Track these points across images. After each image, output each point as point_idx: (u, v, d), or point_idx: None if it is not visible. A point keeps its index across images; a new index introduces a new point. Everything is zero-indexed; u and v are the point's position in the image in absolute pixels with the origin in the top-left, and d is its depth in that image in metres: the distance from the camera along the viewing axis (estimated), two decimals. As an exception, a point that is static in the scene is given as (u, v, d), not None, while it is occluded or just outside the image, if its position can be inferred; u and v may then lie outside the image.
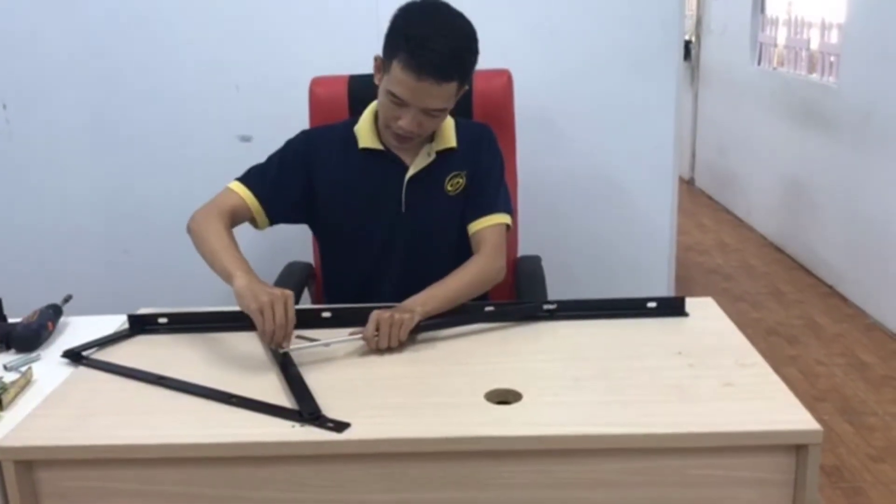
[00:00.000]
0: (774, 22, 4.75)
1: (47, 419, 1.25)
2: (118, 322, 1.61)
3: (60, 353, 1.48)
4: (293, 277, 1.96)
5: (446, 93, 1.57)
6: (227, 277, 1.47)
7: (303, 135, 1.81)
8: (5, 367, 1.45)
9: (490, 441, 1.18)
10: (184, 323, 1.59)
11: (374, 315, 1.46)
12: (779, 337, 3.35)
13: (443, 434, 1.19)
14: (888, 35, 3.32)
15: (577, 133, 2.53)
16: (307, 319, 1.56)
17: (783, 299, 3.77)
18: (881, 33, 3.38)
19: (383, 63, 1.61)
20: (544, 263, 2.03)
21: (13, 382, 1.35)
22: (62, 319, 1.64)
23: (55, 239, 2.59)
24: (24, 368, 1.42)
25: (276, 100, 2.43)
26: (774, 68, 4.74)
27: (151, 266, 2.60)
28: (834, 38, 4.01)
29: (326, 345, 1.45)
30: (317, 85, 2.04)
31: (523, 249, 2.11)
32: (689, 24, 5.69)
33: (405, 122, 1.60)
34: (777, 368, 1.37)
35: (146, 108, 2.49)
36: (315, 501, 1.21)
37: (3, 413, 1.29)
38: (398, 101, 1.58)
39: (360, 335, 1.46)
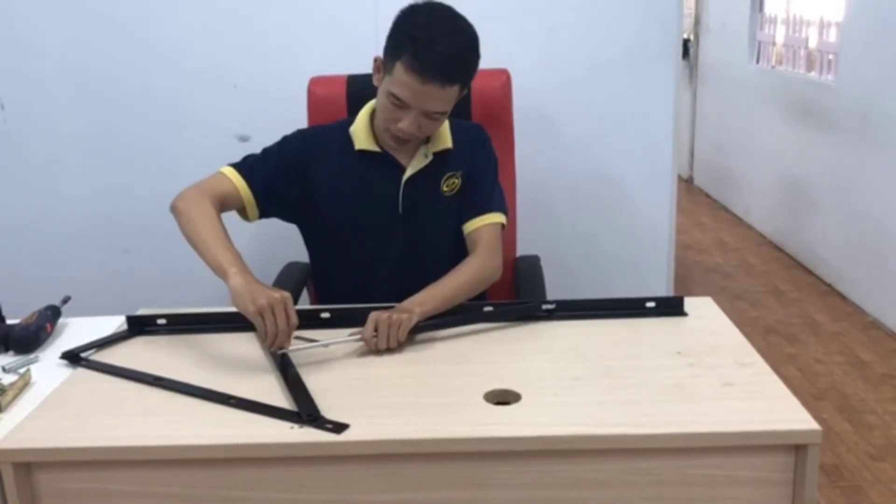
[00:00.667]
0: (773, 20, 4.75)
1: (46, 421, 1.25)
2: (117, 323, 1.61)
3: (59, 354, 1.48)
4: (292, 277, 1.96)
5: (449, 96, 1.57)
6: (221, 273, 1.44)
7: (299, 134, 1.80)
8: (4, 369, 1.44)
9: (489, 442, 1.18)
10: (182, 324, 1.59)
11: (373, 316, 1.46)
12: (778, 336, 3.35)
13: (442, 435, 1.19)
14: (886, 33, 3.32)
15: (576, 132, 2.53)
16: (306, 320, 1.56)
17: (782, 298, 3.77)
18: (879, 32, 3.38)
19: (384, 64, 1.60)
20: (543, 263, 2.03)
21: (12, 384, 1.35)
22: (61, 321, 1.64)
23: (53, 240, 2.59)
24: (22, 370, 1.42)
25: (275, 99, 2.43)
26: (773, 67, 4.74)
27: (150, 267, 2.59)
28: (832, 36, 4.01)
29: (325, 345, 1.45)
30: (315, 85, 2.03)
31: (522, 249, 2.11)
32: (688, 22, 5.69)
33: (405, 125, 1.60)
34: (776, 367, 1.37)
35: (144, 108, 2.49)
36: (314, 502, 1.21)
37: (1, 415, 1.29)
38: (399, 103, 1.57)
39: (359, 336, 1.46)
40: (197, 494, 1.21)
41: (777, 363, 2.92)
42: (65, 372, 1.43)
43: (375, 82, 1.65)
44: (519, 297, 1.90)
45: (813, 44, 4.25)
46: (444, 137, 1.74)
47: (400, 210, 1.73)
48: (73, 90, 2.47)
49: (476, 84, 1.92)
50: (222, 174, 1.69)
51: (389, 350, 1.45)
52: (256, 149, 1.80)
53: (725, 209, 5.25)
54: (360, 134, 1.72)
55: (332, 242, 1.80)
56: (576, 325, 1.57)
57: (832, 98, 3.83)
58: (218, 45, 2.43)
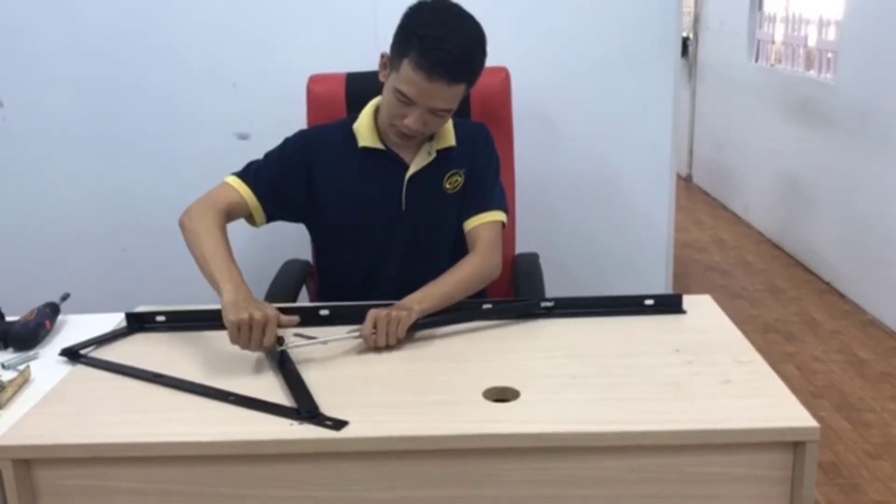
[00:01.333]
0: (772, 19, 4.75)
1: (45, 417, 1.25)
2: (116, 320, 1.61)
3: (58, 351, 1.48)
4: (291, 275, 1.97)
5: (455, 94, 1.58)
6: (217, 288, 1.45)
7: (301, 134, 1.80)
8: (3, 366, 1.45)
9: (488, 439, 1.18)
10: (182, 321, 1.59)
11: (372, 313, 1.46)
12: (776, 334, 3.36)
13: (441, 432, 1.19)
14: (885, 32, 3.32)
15: (575, 130, 2.54)
16: (305, 317, 1.56)
17: (781, 296, 3.77)
18: (879, 30, 3.39)
19: (391, 60, 1.61)
20: (542, 261, 2.03)
21: (11, 381, 1.35)
22: (60, 318, 1.64)
23: (53, 237, 2.59)
24: (21, 367, 1.43)
25: (274, 97, 2.43)
26: (772, 65, 4.74)
27: (149, 264, 2.59)
28: (831, 34, 4.01)
29: (324, 342, 1.45)
30: (315, 83, 2.03)
31: (521, 247, 2.12)
32: (687, 20, 5.69)
33: (411, 121, 1.60)
34: (774, 365, 1.37)
35: (144, 106, 2.49)
36: (313, 499, 1.21)
37: (1, 411, 1.29)
38: (406, 100, 1.58)
39: (358, 333, 1.46)
40: (196, 491, 1.21)
41: (775, 361, 2.92)
42: (64, 369, 1.43)
43: (382, 78, 1.65)
44: (518, 294, 1.90)
45: (812, 42, 4.25)
46: (448, 135, 1.74)
47: (403, 207, 1.74)
48: (73, 88, 2.47)
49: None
50: (227, 184, 1.69)
51: (388, 347, 1.45)
52: (256, 146, 1.80)
53: (724, 207, 5.25)
54: (364, 131, 1.72)
55: (336, 240, 1.80)
56: (574, 322, 1.57)
57: (831, 96, 3.83)
58: (217, 43, 2.43)
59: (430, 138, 1.72)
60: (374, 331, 1.44)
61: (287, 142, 1.78)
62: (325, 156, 1.74)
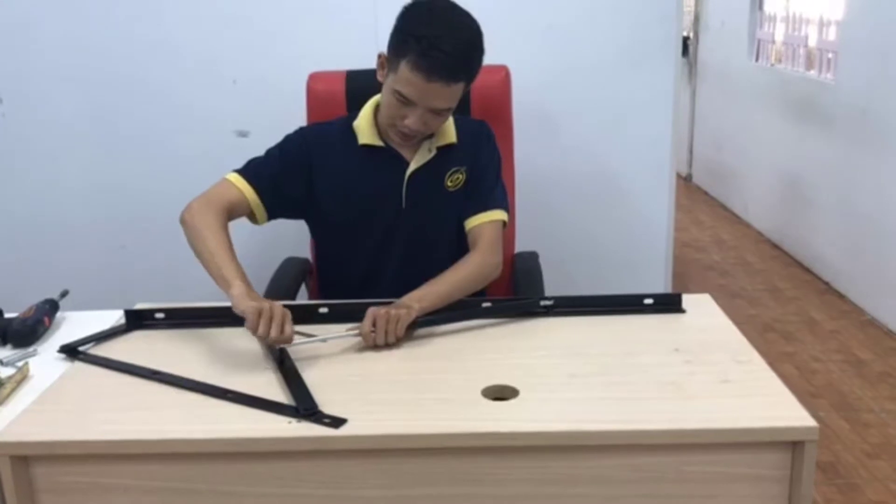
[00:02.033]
0: (772, 18, 4.75)
1: (44, 414, 1.25)
2: (115, 317, 1.61)
3: (57, 348, 1.48)
4: (290, 273, 1.97)
5: (454, 93, 1.58)
6: (224, 284, 1.46)
7: (301, 131, 1.80)
8: (1, 363, 1.44)
9: (487, 437, 1.18)
10: (181, 318, 1.59)
11: (371, 311, 1.46)
12: (775, 333, 3.36)
13: (440, 430, 1.19)
14: (886, 32, 3.32)
15: (575, 129, 2.53)
16: (304, 315, 1.56)
17: (780, 296, 3.77)
18: (879, 30, 3.38)
19: (388, 61, 1.60)
20: (541, 260, 2.03)
21: (9, 377, 1.35)
22: (59, 314, 1.64)
23: (52, 234, 2.59)
24: (20, 363, 1.42)
25: (274, 95, 2.43)
26: (772, 65, 4.74)
27: (148, 261, 2.59)
28: (832, 34, 4.01)
29: (323, 340, 1.45)
30: (314, 80, 2.03)
31: (520, 246, 2.11)
32: (687, 20, 5.69)
33: (411, 122, 1.60)
34: (773, 365, 1.37)
35: (143, 103, 2.49)
36: (312, 497, 1.21)
37: (-1, 408, 1.29)
38: (405, 101, 1.58)
39: (357, 331, 1.46)
40: (194, 488, 1.21)
41: (774, 361, 2.92)
42: (63, 366, 1.43)
43: (380, 78, 1.65)
44: (517, 293, 1.90)
45: (812, 42, 4.25)
46: (448, 132, 1.74)
47: (403, 205, 1.74)
48: (72, 85, 2.47)
49: (475, 80, 1.93)
50: (228, 182, 1.69)
51: (387, 345, 1.45)
52: (255, 144, 1.80)
53: (724, 207, 5.25)
54: (364, 129, 1.72)
55: (337, 237, 1.80)
56: (574, 321, 1.57)
57: (831, 96, 3.83)
58: (217, 40, 2.43)
59: (431, 136, 1.72)
60: (373, 329, 1.44)
61: (288, 139, 1.77)
62: (326, 153, 1.74)
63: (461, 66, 1.56)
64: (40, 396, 1.30)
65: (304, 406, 1.23)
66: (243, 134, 2.49)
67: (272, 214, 1.73)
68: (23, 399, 1.31)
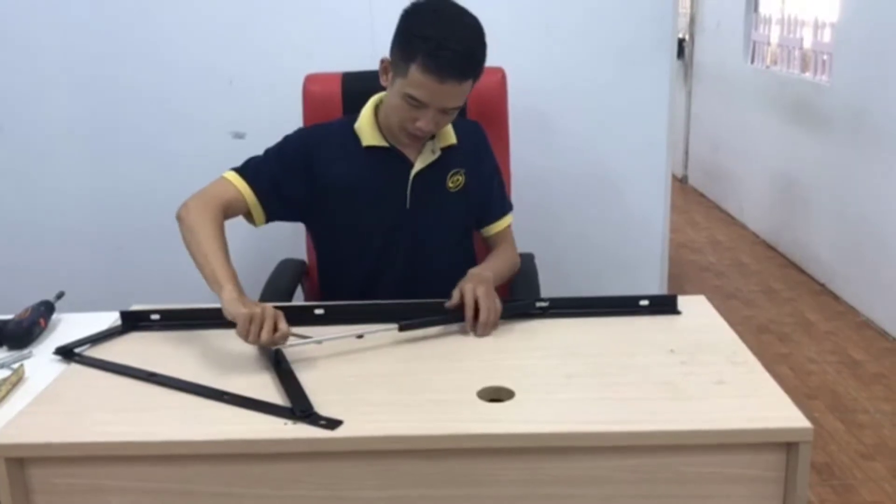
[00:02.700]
0: (768, 20, 4.76)
1: (39, 416, 1.25)
2: (110, 319, 1.60)
3: (52, 350, 1.48)
4: (286, 274, 1.96)
5: (464, 90, 1.60)
6: (216, 287, 1.45)
7: (301, 132, 1.80)
8: (-3, 364, 1.44)
9: (482, 438, 1.18)
10: (176, 320, 1.59)
11: (468, 294, 1.52)
12: (770, 335, 3.36)
13: (435, 431, 1.19)
14: (881, 34, 3.33)
15: (571, 130, 2.54)
16: (300, 317, 1.56)
17: (775, 297, 3.78)
18: (874, 32, 3.39)
19: (394, 65, 1.60)
20: (537, 261, 2.03)
21: (5, 379, 1.35)
22: (54, 316, 1.64)
23: (47, 235, 2.59)
24: (15, 365, 1.42)
25: (270, 97, 2.43)
26: (767, 66, 4.75)
27: (144, 263, 2.59)
28: (827, 36, 4.02)
29: (319, 342, 1.45)
30: (311, 82, 2.03)
31: (517, 246, 2.11)
32: (683, 21, 5.70)
33: (424, 123, 1.61)
34: (768, 366, 1.37)
35: (139, 104, 2.48)
36: (308, 498, 1.21)
37: (-6, 410, 1.29)
38: (417, 103, 1.58)
39: (357, 333, 1.47)
40: (190, 490, 1.21)
41: (769, 362, 2.92)
42: (58, 367, 1.43)
43: (383, 83, 1.65)
44: (513, 294, 1.90)
45: (808, 44, 4.26)
46: (449, 133, 1.76)
47: (408, 205, 1.74)
48: (68, 87, 2.47)
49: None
50: (226, 180, 1.68)
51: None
52: (251, 146, 1.80)
53: (719, 208, 5.26)
54: (367, 130, 1.72)
55: (340, 239, 1.79)
56: (569, 322, 1.57)
57: (826, 98, 3.84)
58: (213, 42, 2.43)
59: (433, 136, 1.73)
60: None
61: (287, 139, 1.77)
62: (327, 153, 1.73)
63: (471, 64, 1.58)
64: (36, 398, 1.30)
65: (299, 408, 1.23)
66: (240, 135, 2.49)
67: (270, 216, 1.73)
68: (18, 401, 1.31)
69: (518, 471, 1.20)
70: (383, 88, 1.68)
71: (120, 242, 2.60)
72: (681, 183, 5.90)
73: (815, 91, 4.00)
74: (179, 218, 1.60)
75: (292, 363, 1.39)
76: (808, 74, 4.23)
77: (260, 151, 1.77)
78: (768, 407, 1.23)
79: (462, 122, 1.82)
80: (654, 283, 2.64)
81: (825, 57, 4.01)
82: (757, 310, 3.63)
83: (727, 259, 4.33)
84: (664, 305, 1.61)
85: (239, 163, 1.74)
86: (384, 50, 2.41)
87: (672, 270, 2.93)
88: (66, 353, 1.46)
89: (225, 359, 1.44)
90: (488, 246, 1.86)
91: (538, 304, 1.60)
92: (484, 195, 1.82)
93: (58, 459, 1.20)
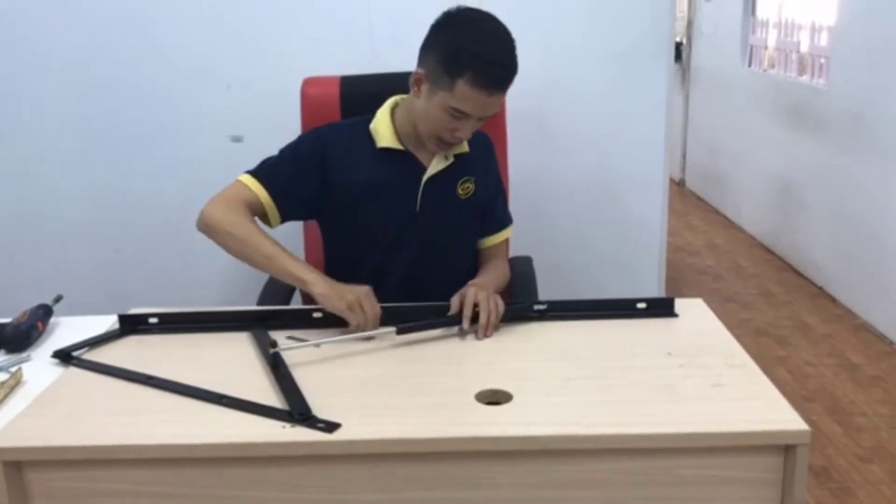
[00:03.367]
0: (765, 24, 4.77)
1: (37, 419, 1.25)
2: (109, 322, 1.60)
3: (51, 353, 1.48)
4: (284, 278, 1.96)
5: (502, 100, 1.65)
6: (298, 282, 1.53)
7: (317, 131, 1.79)
8: (-5, 368, 1.44)
9: (481, 441, 1.18)
10: (174, 323, 1.58)
11: (468, 296, 1.53)
12: (768, 337, 3.37)
13: (434, 434, 1.19)
14: (877, 37, 3.34)
15: (569, 134, 2.54)
16: (298, 320, 1.57)
17: (773, 300, 3.79)
18: (871, 36, 3.40)
19: (433, 78, 1.60)
20: (535, 264, 2.04)
21: (3, 383, 1.35)
22: (52, 319, 1.63)
23: (45, 238, 2.59)
24: (13, 369, 1.42)
25: (268, 100, 2.43)
26: (765, 70, 4.76)
27: (142, 266, 2.59)
28: (824, 40, 4.03)
29: (317, 345, 1.46)
30: (309, 85, 2.03)
31: (514, 250, 2.11)
32: (680, 25, 5.71)
33: (463, 133, 1.64)
34: (766, 369, 1.37)
35: (137, 107, 2.49)
36: (306, 501, 1.21)
37: (-8, 413, 1.28)
38: (461, 115, 1.60)
39: (365, 335, 1.48)
40: (188, 494, 1.21)
41: (767, 365, 2.92)
42: (56, 371, 1.43)
43: (415, 95, 1.65)
44: (511, 297, 1.90)
45: (805, 47, 4.27)
46: (462, 142, 1.76)
47: (418, 208, 1.75)
48: (66, 88, 2.47)
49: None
50: (241, 183, 1.68)
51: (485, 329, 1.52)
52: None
53: (717, 211, 5.27)
54: (384, 132, 1.73)
55: (349, 237, 1.80)
56: (567, 325, 1.58)
57: (823, 101, 3.85)
58: (212, 45, 2.43)
59: None
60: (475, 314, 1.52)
61: (302, 139, 1.77)
62: (342, 153, 1.73)
63: (512, 75, 1.61)
64: (34, 402, 1.30)
65: (298, 411, 1.23)
66: (237, 139, 2.50)
67: (284, 217, 1.73)
68: (16, 404, 1.30)
69: (516, 474, 1.20)
70: (382, 91, 1.69)
71: (118, 246, 2.60)
72: (678, 186, 5.91)
73: (812, 94, 4.01)
74: (207, 225, 1.60)
75: (290, 366, 1.39)
76: (805, 78, 4.24)
77: (258, 155, 1.77)
78: (766, 410, 1.23)
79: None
80: (651, 286, 2.65)
81: (822, 60, 4.02)
82: (755, 313, 3.63)
83: (725, 262, 4.34)
84: (662, 308, 1.61)
85: (236, 166, 1.74)
86: (382, 53, 2.42)
87: (670, 273, 2.93)
88: (65, 356, 1.46)
89: (223, 362, 1.44)
90: (481, 258, 1.86)
91: (536, 307, 1.61)
92: (488, 206, 1.84)
93: (56, 463, 1.20)
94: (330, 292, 1.50)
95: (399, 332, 1.49)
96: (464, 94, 1.56)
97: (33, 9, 2.40)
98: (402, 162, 1.73)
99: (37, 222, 2.58)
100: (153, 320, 1.58)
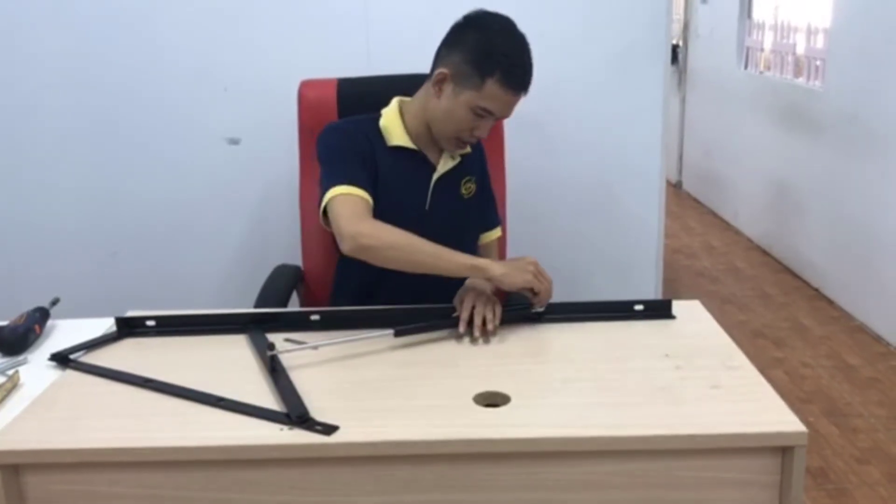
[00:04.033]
0: (761, 26, 4.78)
1: (34, 422, 1.25)
2: (106, 325, 1.60)
3: (48, 356, 1.48)
4: (282, 280, 1.96)
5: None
6: (474, 270, 1.55)
7: (341, 126, 1.77)
8: (-8, 371, 1.44)
9: (479, 444, 1.18)
10: (172, 326, 1.58)
11: (466, 299, 1.56)
12: (765, 339, 3.37)
13: (431, 437, 1.19)
14: (873, 40, 3.35)
15: (566, 136, 2.55)
16: (295, 322, 1.57)
17: (769, 302, 3.79)
18: (866, 38, 3.41)
19: (459, 78, 1.62)
20: (533, 267, 2.04)
21: (0, 385, 1.35)
22: (50, 322, 1.63)
23: (43, 241, 2.58)
24: (10, 371, 1.42)
25: (265, 102, 2.43)
26: (761, 72, 4.77)
27: (139, 269, 2.59)
28: (820, 42, 4.04)
29: (315, 347, 1.46)
30: (306, 88, 2.03)
31: (512, 252, 2.12)
32: (677, 28, 5.72)
33: (482, 132, 1.68)
34: (763, 371, 1.38)
35: (134, 110, 2.48)
36: (304, 504, 1.21)
37: (-11, 416, 1.28)
38: (486, 114, 1.63)
39: (378, 334, 1.48)
40: (186, 496, 1.20)
41: (764, 367, 2.93)
42: (53, 373, 1.43)
43: (436, 94, 1.66)
44: (509, 300, 1.89)
45: (801, 50, 4.28)
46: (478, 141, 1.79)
47: (427, 207, 1.76)
48: (63, 92, 2.46)
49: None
50: (348, 196, 1.61)
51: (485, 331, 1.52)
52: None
53: (713, 213, 5.28)
54: (395, 130, 1.74)
55: None
56: (564, 327, 1.58)
57: (819, 103, 3.86)
58: (208, 47, 2.43)
59: None
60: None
61: (337, 137, 1.72)
62: (361, 150, 1.72)
63: (532, 76, 1.65)
64: (31, 404, 1.30)
65: (295, 413, 1.23)
66: (234, 141, 2.49)
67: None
68: (13, 407, 1.30)
69: (514, 476, 1.20)
70: (379, 93, 1.69)
71: (115, 248, 2.60)
72: (675, 188, 5.92)
73: (808, 96, 4.02)
74: (366, 246, 1.55)
75: (288, 369, 1.39)
76: (801, 80, 4.25)
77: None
78: (763, 411, 1.24)
79: None
80: (649, 288, 2.65)
81: (818, 62, 4.03)
82: (751, 314, 3.64)
83: (721, 264, 4.35)
84: (659, 310, 1.62)
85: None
86: (379, 56, 2.42)
87: (667, 275, 2.93)
88: (62, 359, 1.46)
89: (221, 364, 1.44)
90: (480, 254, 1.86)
91: (533, 310, 1.61)
92: (483, 204, 1.87)
93: (53, 466, 1.20)
94: (510, 270, 1.54)
95: (397, 334, 1.49)
96: (492, 93, 1.60)
97: (29, 11, 2.40)
98: (413, 160, 1.75)
99: (33, 225, 2.57)
100: (150, 323, 1.58)
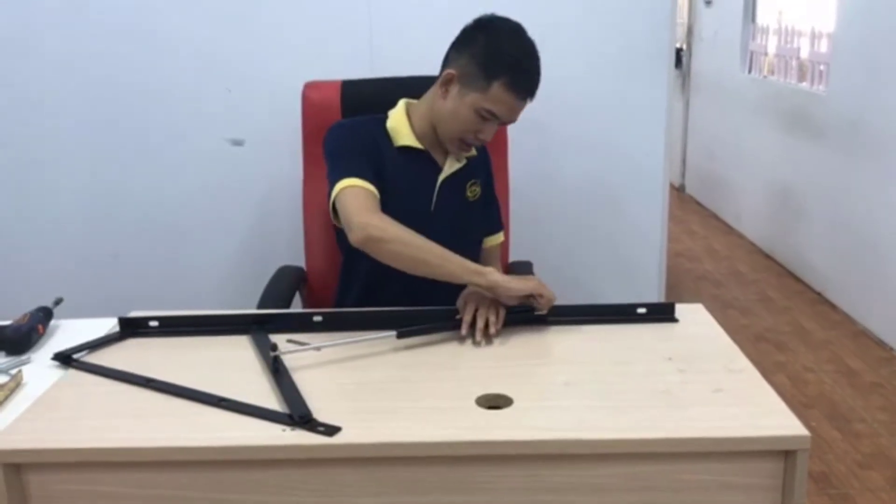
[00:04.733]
0: (765, 31, 4.78)
1: (37, 422, 1.25)
2: (109, 325, 1.60)
3: (51, 355, 1.48)
4: (285, 281, 1.97)
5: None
6: (477, 274, 1.55)
7: (348, 125, 1.77)
8: (-5, 370, 1.44)
9: (481, 446, 1.18)
10: (174, 326, 1.59)
11: (469, 301, 1.56)
12: (767, 343, 3.37)
13: (433, 438, 1.19)
14: (877, 44, 3.35)
15: (569, 139, 2.55)
16: (298, 323, 1.57)
17: (772, 306, 3.79)
18: (870, 43, 3.41)
19: (465, 79, 1.63)
20: (535, 269, 2.04)
21: (3, 385, 1.35)
22: (53, 322, 1.64)
23: (46, 241, 2.59)
24: (14, 371, 1.42)
25: (268, 104, 2.44)
26: (765, 76, 4.77)
27: (142, 269, 2.59)
28: (824, 47, 4.04)
29: (317, 349, 1.46)
30: (310, 89, 2.04)
31: (514, 255, 2.12)
32: (681, 31, 5.72)
33: (487, 135, 1.68)
34: (766, 375, 1.38)
35: (138, 111, 2.49)
36: (305, 505, 1.21)
37: (-8, 416, 1.28)
38: (491, 117, 1.64)
39: (379, 335, 1.48)
40: (188, 496, 1.21)
41: (767, 371, 2.92)
42: (56, 373, 1.43)
43: (442, 95, 1.67)
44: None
45: (804, 54, 4.28)
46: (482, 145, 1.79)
47: (432, 208, 1.76)
48: (65, 91, 2.47)
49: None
50: (357, 188, 1.61)
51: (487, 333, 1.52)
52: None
53: (716, 217, 5.27)
54: (402, 130, 1.74)
55: None
56: (567, 330, 1.58)
57: (823, 108, 3.86)
58: (212, 49, 2.44)
59: None
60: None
61: (345, 134, 1.73)
62: (368, 149, 1.73)
63: (539, 84, 1.66)
64: (34, 404, 1.30)
65: (298, 414, 1.23)
66: (238, 142, 2.50)
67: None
68: (16, 407, 1.30)
69: (516, 478, 1.20)
70: (383, 95, 1.69)
71: (118, 249, 2.60)
72: (678, 192, 5.92)
73: (811, 101, 4.02)
74: (376, 238, 1.55)
75: (290, 370, 1.39)
76: (804, 84, 4.24)
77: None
78: (766, 415, 1.23)
79: None
80: (651, 292, 2.65)
81: (822, 67, 4.02)
82: (754, 318, 3.63)
83: (724, 268, 4.34)
84: (662, 313, 1.62)
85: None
86: (383, 58, 2.43)
87: (669, 279, 2.94)
88: (65, 358, 1.46)
89: (223, 365, 1.44)
90: (482, 258, 1.86)
91: (536, 312, 1.61)
92: (487, 207, 1.88)
93: (56, 465, 1.20)
94: (510, 280, 1.54)
95: (400, 335, 1.49)
96: (498, 96, 1.61)
97: (33, 13, 2.40)
98: (420, 161, 1.75)
99: (36, 225, 2.58)
100: (153, 323, 1.59)
